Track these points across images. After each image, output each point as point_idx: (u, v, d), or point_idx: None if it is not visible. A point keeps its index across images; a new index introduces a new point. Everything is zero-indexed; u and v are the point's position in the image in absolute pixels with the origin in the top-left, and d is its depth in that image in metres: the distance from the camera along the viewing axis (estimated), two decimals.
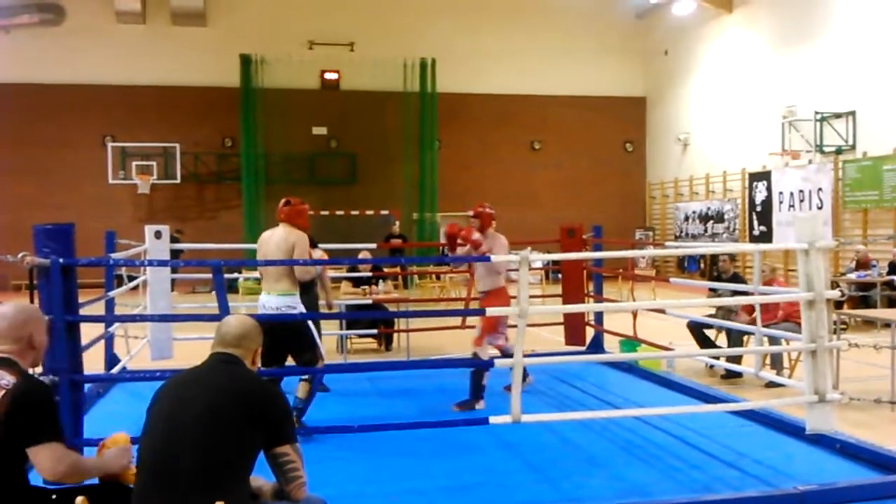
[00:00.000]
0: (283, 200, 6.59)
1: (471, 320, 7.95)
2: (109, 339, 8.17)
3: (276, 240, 6.41)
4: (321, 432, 5.65)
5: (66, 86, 22.12)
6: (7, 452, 3.12)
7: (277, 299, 6.25)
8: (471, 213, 7.51)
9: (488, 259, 6.47)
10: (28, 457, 3.12)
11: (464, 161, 23.82)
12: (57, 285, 4.70)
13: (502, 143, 24.49)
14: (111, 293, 7.96)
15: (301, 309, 6.38)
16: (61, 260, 4.71)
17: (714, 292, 9.43)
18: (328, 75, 23.62)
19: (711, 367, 8.95)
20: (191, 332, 8.54)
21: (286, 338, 6.15)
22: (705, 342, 9.18)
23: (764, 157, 19.10)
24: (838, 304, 10.30)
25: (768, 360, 8.43)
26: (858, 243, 15.05)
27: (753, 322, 6.82)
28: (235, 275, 13.49)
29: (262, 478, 3.30)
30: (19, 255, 4.69)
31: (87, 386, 6.49)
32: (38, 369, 3.84)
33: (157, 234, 8.19)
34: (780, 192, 18.51)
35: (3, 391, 3.08)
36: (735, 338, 8.83)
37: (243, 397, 3.15)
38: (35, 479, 3.26)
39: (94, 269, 6.22)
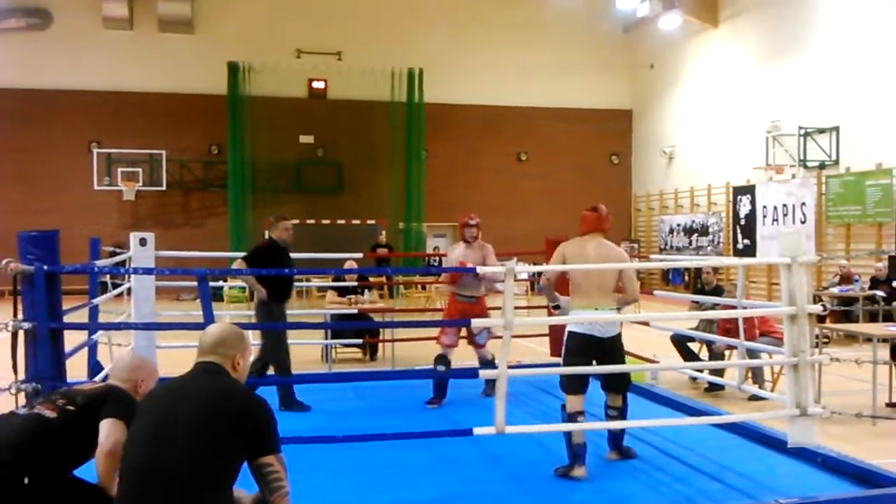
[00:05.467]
0: (591, 207, 5.99)
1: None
2: (93, 347, 8.12)
3: (605, 252, 5.85)
4: (304, 442, 5.63)
5: (52, 91, 22.02)
6: (73, 432, 3.51)
7: (608, 314, 5.76)
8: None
9: (474, 270, 6.50)
10: (87, 449, 3.53)
11: (450, 171, 23.86)
12: (41, 292, 4.68)
13: (489, 153, 24.56)
14: (95, 300, 7.92)
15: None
16: (45, 267, 4.69)
17: (697, 305, 9.48)
18: (315, 84, 23.64)
19: (695, 379, 9.00)
20: (174, 340, 8.50)
21: (611, 353, 5.81)
22: (689, 355, 9.22)
23: (748, 171, 19.23)
24: (821, 319, 10.36)
25: (750, 374, 8.48)
26: (841, 258, 15.16)
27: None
28: (220, 283, 13.45)
29: (242, 489, 3.29)
30: (3, 262, 4.67)
31: None
32: None
33: (142, 242, 8.15)
34: (764, 206, 18.64)
35: (102, 385, 3.84)
36: (716, 351, 8.89)
37: (226, 407, 3.14)
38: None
39: (79, 275, 6.22)
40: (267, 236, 7.91)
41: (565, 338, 5.80)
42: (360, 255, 10.92)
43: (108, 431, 3.45)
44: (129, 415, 3.45)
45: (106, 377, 3.95)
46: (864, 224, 15.98)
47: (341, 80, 23.04)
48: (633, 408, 7.65)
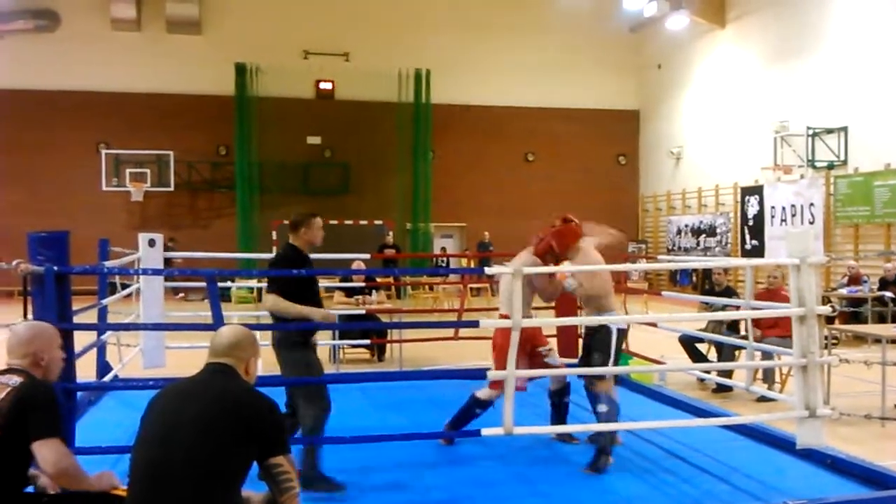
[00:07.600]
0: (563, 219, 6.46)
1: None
2: (102, 348, 8.15)
3: None
4: (313, 443, 5.64)
5: (60, 92, 22.10)
6: (8, 452, 3.24)
7: None
8: None
9: (480, 271, 6.49)
10: (27, 459, 3.27)
11: (457, 172, 23.84)
12: (51, 293, 4.69)
13: (496, 154, 24.54)
14: (104, 301, 7.94)
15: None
16: (55, 268, 4.70)
17: (706, 306, 9.46)
18: (323, 85, 23.69)
19: (703, 380, 8.98)
20: (183, 340, 8.54)
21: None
22: (697, 356, 9.20)
23: (756, 171, 19.19)
24: (829, 320, 10.33)
25: (760, 375, 8.45)
26: (850, 259, 15.11)
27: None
28: (228, 284, 13.46)
29: (251, 490, 3.31)
30: (13, 263, 4.69)
31: (79, 394, 6.47)
32: None
33: (151, 243, 8.18)
34: (773, 207, 18.58)
35: (10, 389, 3.32)
36: (726, 352, 8.87)
37: (236, 408, 3.15)
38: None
39: (88, 276, 6.24)
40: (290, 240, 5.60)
41: (616, 336, 5.83)
42: (367, 255, 10.91)
43: (43, 457, 3.21)
44: (56, 423, 3.31)
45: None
46: (873, 225, 15.93)
47: (348, 81, 23.07)
48: (641, 409, 7.67)
